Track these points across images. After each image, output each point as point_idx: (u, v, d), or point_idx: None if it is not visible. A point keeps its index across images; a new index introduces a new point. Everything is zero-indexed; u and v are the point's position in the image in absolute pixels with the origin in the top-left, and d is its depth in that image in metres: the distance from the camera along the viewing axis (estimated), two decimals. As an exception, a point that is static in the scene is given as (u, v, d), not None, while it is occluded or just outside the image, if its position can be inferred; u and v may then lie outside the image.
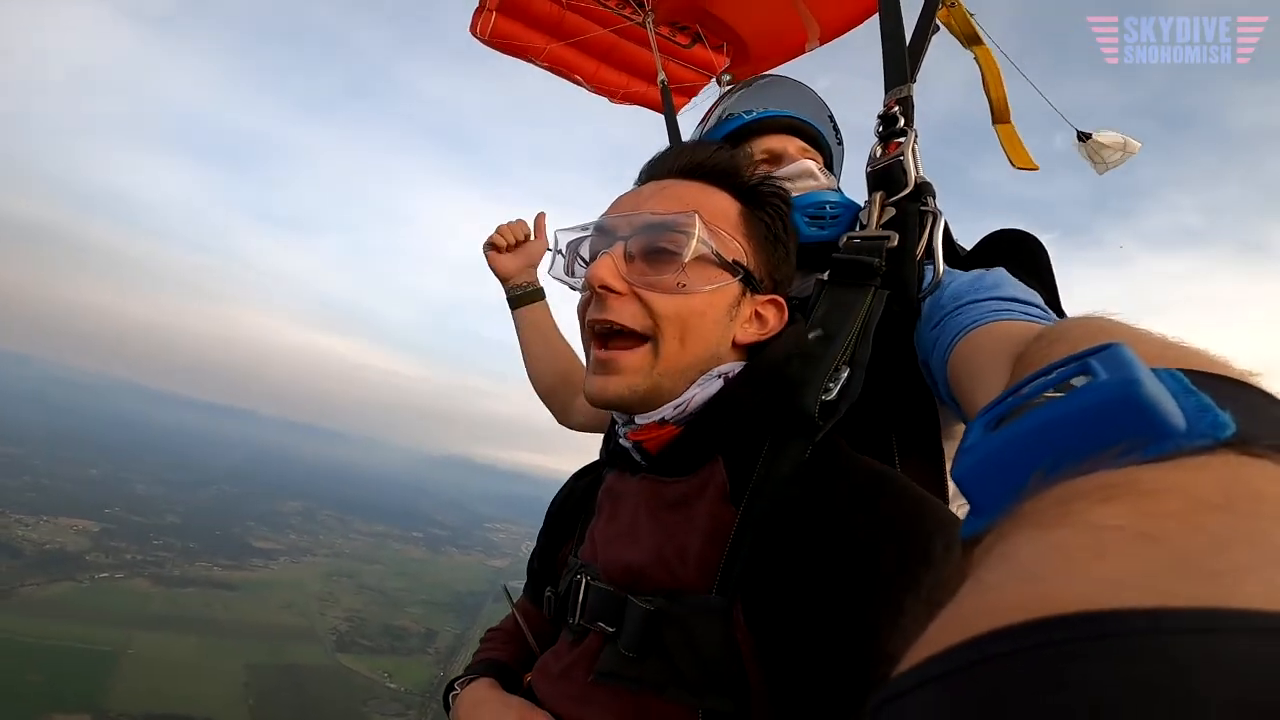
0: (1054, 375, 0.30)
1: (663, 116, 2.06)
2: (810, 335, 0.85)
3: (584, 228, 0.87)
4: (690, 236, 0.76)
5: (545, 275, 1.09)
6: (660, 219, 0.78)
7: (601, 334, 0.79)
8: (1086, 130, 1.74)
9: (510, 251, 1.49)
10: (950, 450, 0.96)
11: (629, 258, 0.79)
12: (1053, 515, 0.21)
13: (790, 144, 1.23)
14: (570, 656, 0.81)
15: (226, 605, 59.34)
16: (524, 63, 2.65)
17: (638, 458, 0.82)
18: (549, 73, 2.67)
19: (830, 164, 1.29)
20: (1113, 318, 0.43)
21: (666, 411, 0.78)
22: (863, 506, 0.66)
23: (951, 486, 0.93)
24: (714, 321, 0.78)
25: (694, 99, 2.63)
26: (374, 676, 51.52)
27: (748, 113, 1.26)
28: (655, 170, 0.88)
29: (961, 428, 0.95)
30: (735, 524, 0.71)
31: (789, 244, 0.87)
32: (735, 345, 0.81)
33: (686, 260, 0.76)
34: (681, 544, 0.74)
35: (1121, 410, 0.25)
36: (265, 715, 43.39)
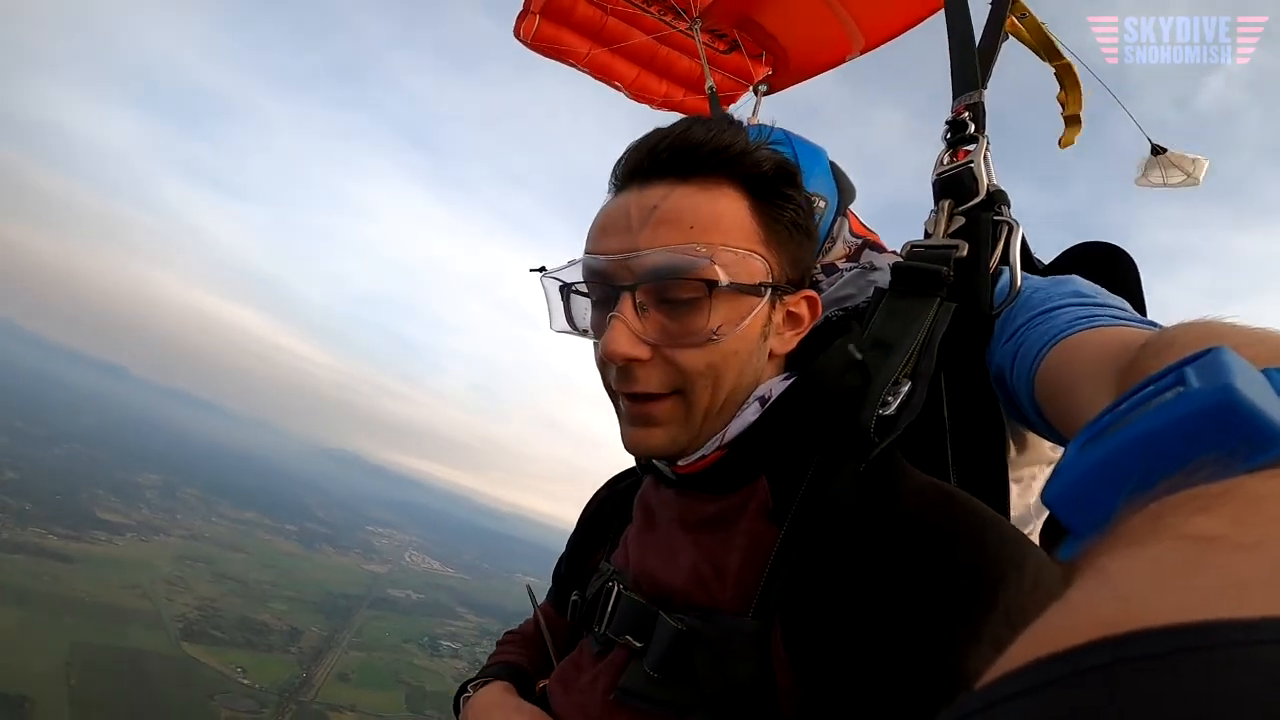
0: (1150, 389, 0.28)
1: None
2: (867, 346, 0.78)
3: (573, 262, 0.76)
4: (714, 281, 0.65)
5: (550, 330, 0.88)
6: (669, 262, 0.66)
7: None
8: (1162, 145, 1.64)
9: None
10: (1016, 473, 0.93)
11: (641, 310, 0.68)
12: (1146, 531, 0.20)
13: None
14: (593, 669, 0.77)
15: (57, 578, 53.11)
16: (566, 67, 2.70)
17: (672, 476, 0.77)
18: (590, 77, 2.73)
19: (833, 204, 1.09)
20: (1227, 320, 0.40)
21: (709, 449, 0.73)
22: (925, 527, 0.59)
23: (1012, 507, 0.92)
24: (748, 354, 0.71)
25: (730, 107, 2.63)
26: (224, 670, 47.51)
27: None
28: (643, 167, 0.71)
29: (1029, 445, 0.94)
30: (777, 543, 0.66)
31: (810, 226, 0.77)
32: (771, 356, 0.74)
33: (713, 308, 0.66)
34: (719, 562, 0.69)
35: (1216, 419, 0.23)
36: (88, 697, 39.07)
